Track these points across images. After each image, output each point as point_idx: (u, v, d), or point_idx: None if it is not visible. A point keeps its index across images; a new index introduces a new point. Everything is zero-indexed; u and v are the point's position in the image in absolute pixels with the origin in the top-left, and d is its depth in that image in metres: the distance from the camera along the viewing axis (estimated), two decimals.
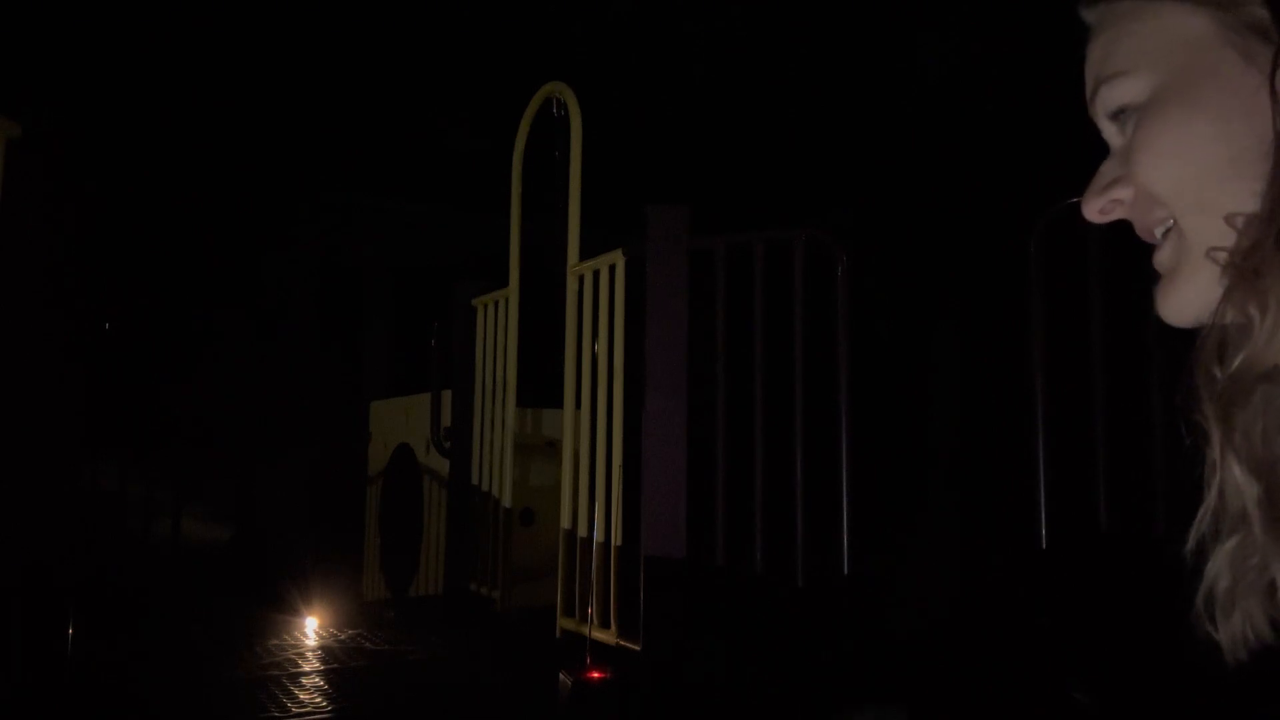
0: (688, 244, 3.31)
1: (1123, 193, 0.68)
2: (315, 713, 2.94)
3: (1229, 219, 0.62)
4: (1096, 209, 0.70)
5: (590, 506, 3.55)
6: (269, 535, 7.45)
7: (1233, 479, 0.61)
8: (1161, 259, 0.67)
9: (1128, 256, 3.07)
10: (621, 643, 3.26)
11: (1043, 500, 2.99)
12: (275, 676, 3.32)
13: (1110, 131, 0.70)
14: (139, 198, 6.66)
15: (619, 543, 3.39)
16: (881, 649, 2.89)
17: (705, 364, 3.35)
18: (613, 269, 3.53)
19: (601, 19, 6.82)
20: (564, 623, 3.65)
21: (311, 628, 4.09)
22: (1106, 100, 0.69)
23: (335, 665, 3.53)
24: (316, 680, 3.31)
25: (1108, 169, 0.70)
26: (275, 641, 3.85)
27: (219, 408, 7.37)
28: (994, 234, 4.13)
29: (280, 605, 4.36)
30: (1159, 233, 0.67)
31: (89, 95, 5.52)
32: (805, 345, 3.33)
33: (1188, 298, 0.65)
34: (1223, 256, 0.62)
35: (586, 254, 3.80)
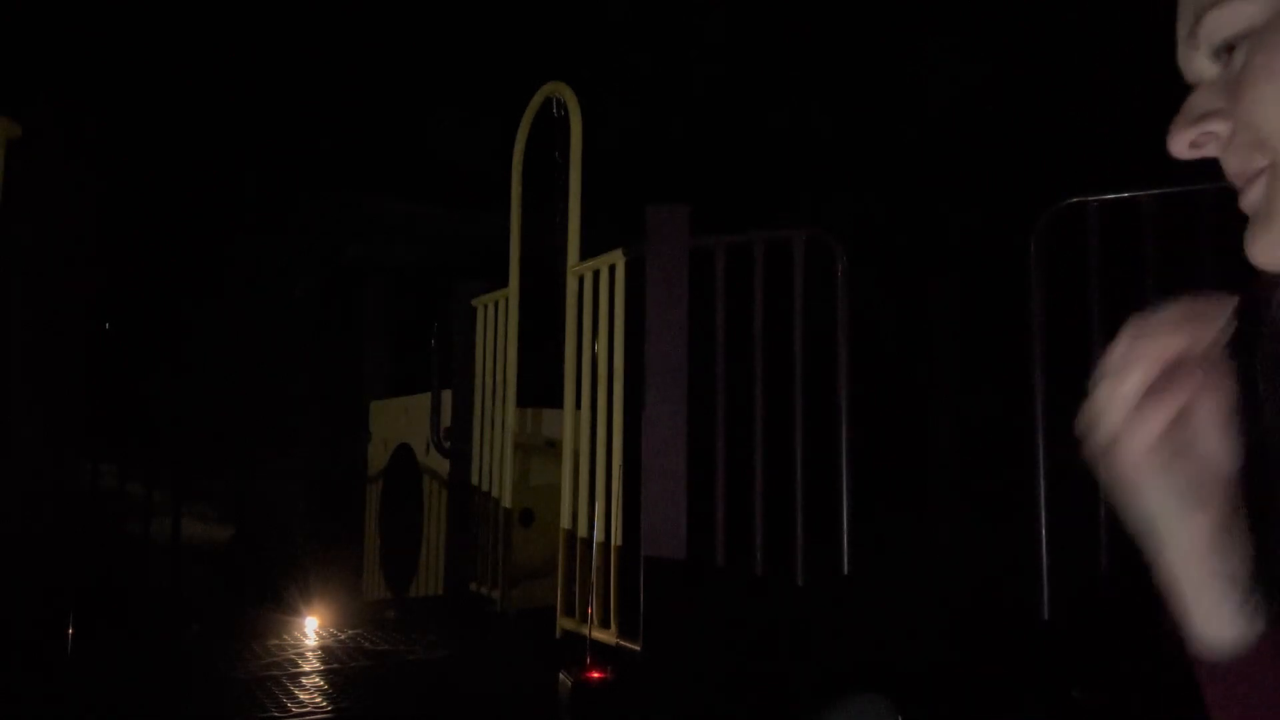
0: (688, 244, 3.31)
1: (1219, 126, 0.62)
2: (315, 713, 2.94)
3: None
4: (1186, 141, 0.63)
5: (590, 506, 3.55)
6: (269, 535, 7.45)
7: None
8: (1252, 200, 0.62)
9: (1129, 254, 3.07)
10: (621, 643, 3.26)
11: (1043, 499, 2.99)
12: (275, 676, 3.32)
13: (1205, 65, 0.63)
14: (139, 198, 6.66)
15: (619, 543, 3.39)
16: (881, 649, 2.89)
17: (705, 364, 3.35)
18: (613, 269, 3.53)
19: (601, 19, 6.82)
20: (564, 623, 3.65)
21: (311, 628, 4.09)
22: (1213, 29, 0.61)
23: (335, 665, 3.53)
24: (316, 680, 3.31)
25: (1201, 99, 0.63)
26: (275, 641, 3.85)
27: (219, 408, 7.37)
28: (995, 232, 4.13)
29: (280, 605, 4.36)
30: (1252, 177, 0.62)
31: (89, 95, 5.52)
32: (805, 345, 3.33)
33: None
34: None
35: (586, 254, 3.80)
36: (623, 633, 3.28)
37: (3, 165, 3.02)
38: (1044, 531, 2.96)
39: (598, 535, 3.46)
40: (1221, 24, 0.60)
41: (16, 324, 3.97)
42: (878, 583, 3.42)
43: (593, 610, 3.44)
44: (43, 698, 3.07)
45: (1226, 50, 0.61)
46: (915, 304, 6.61)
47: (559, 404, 3.95)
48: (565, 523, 3.72)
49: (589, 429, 3.60)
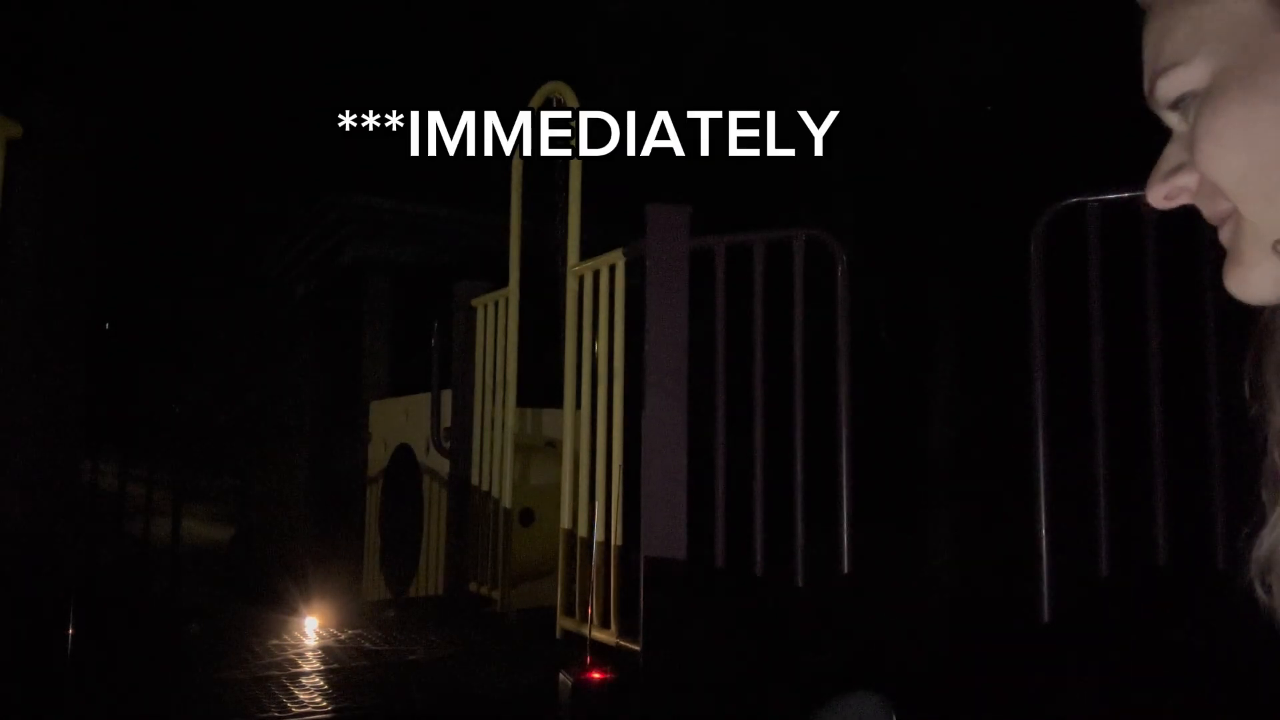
0: (688, 244, 3.31)
1: (1187, 180, 0.68)
2: (315, 713, 2.94)
3: None
4: (1161, 195, 0.69)
5: (590, 506, 3.55)
6: (269, 535, 7.45)
7: None
8: (1224, 238, 0.67)
9: (1129, 254, 3.06)
10: (621, 643, 3.26)
11: (1042, 498, 2.99)
12: (275, 676, 3.32)
13: (1172, 119, 0.69)
14: (140, 198, 6.66)
15: (619, 543, 3.39)
16: (881, 649, 2.89)
17: (705, 364, 3.35)
18: (613, 269, 3.53)
19: (601, 19, 6.82)
20: (564, 623, 3.65)
21: (311, 628, 4.09)
22: (1165, 92, 0.68)
23: (335, 665, 3.53)
24: (316, 680, 3.31)
25: (1172, 154, 0.69)
26: (275, 641, 3.85)
27: (219, 408, 7.37)
28: (995, 232, 4.13)
29: (280, 605, 4.36)
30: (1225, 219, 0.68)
31: (89, 96, 5.53)
32: (805, 345, 3.33)
33: (1253, 281, 0.65)
34: None
35: (586, 254, 3.80)
36: (623, 633, 3.28)
37: (3, 165, 3.02)
38: (1044, 532, 2.96)
39: (598, 535, 3.46)
40: (1170, 88, 0.67)
41: (17, 324, 3.98)
42: (878, 583, 3.42)
43: (593, 610, 3.44)
44: (43, 698, 3.07)
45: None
46: (915, 304, 6.61)
47: (559, 404, 3.95)
48: (565, 523, 3.72)
49: (589, 429, 3.60)
